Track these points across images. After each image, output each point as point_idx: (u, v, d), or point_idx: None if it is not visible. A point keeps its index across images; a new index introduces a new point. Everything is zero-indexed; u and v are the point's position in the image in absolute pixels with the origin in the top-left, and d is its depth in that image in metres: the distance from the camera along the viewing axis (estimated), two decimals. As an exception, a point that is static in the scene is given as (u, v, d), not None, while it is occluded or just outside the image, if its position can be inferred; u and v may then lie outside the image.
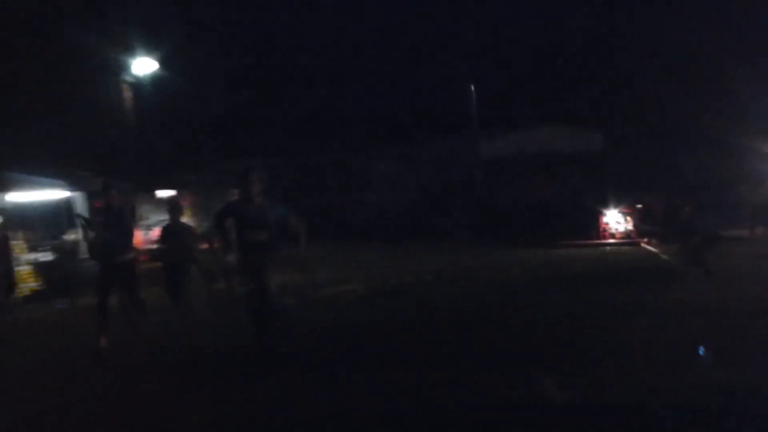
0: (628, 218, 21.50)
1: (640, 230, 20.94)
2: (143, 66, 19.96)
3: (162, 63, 20.18)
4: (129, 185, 15.44)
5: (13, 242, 14.59)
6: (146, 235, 15.45)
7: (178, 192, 17.69)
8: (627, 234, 21.29)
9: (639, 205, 21.60)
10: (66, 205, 16.24)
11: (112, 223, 9.24)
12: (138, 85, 20.65)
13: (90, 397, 7.59)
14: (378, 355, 9.28)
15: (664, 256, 16.79)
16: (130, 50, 19.69)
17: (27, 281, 14.84)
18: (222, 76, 26.78)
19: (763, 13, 26.93)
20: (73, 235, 15.28)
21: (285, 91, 32.47)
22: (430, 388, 7.78)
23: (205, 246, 11.95)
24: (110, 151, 17.65)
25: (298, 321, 10.66)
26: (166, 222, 11.87)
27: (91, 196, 15.85)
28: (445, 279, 15.80)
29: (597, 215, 22.05)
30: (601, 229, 21.69)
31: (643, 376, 7.86)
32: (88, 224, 10.05)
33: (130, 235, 9.82)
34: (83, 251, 13.78)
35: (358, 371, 8.34)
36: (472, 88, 28.55)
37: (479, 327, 10.94)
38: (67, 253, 15.40)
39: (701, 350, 9.10)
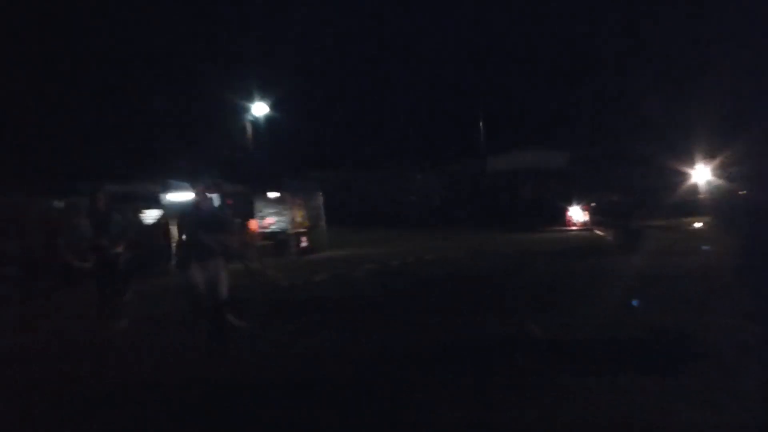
0: (585, 212, 27.38)
1: (593, 220, 26.42)
2: (259, 109, 27.74)
3: (271, 106, 28.20)
4: (247, 188, 22.33)
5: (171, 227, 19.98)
6: (261, 221, 21.46)
7: (282, 193, 23.62)
8: (584, 223, 27.10)
9: (593, 204, 27.36)
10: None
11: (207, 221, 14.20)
12: (255, 120, 28.58)
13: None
14: (419, 303, 12.10)
15: (608, 238, 21.69)
16: (251, 98, 27.56)
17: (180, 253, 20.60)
18: (311, 113, 36.31)
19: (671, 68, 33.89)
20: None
21: (357, 123, 42.23)
22: (449, 327, 9.82)
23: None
24: (236, 164, 25.23)
25: (374, 281, 15.29)
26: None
27: (222, 196, 21.52)
28: (467, 254, 20.09)
29: (564, 210, 28.17)
30: (567, 220, 27.79)
31: (601, 320, 9.67)
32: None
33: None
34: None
35: (407, 314, 10.96)
36: (481, 124, 36.51)
37: (486, 284, 14.25)
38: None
39: (635, 302, 11.17)
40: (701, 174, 27.81)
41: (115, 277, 10.47)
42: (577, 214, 27.75)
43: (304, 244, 22.65)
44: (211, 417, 6.61)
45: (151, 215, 19.51)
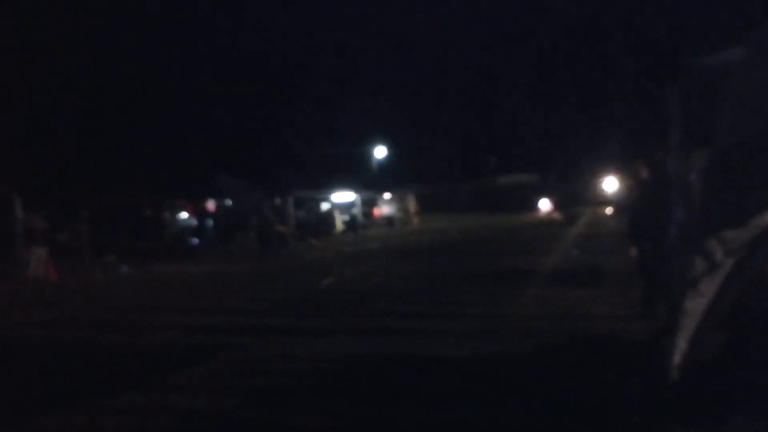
0: (549, 204, 38.96)
1: (552, 209, 37.48)
2: (380, 151, 41.92)
3: (387, 148, 43.59)
4: (372, 192, 36.41)
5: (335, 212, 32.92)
6: (380, 209, 36.20)
7: (391, 195, 38.48)
8: (548, 210, 38.64)
9: (552, 199, 38.99)
10: (352, 203, 33.91)
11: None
12: (378, 158, 42.95)
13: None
14: (461, 250, 19.73)
15: (561, 220, 31.45)
16: (376, 145, 42.33)
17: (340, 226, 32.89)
18: (407, 151, 52.35)
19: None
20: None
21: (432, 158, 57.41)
22: (477, 263, 15.75)
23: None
24: (368, 180, 38.45)
25: (444, 238, 28.00)
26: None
27: (367, 197, 34.79)
28: (485, 226, 31.52)
29: (536, 203, 41.00)
30: (538, 208, 40.23)
31: (557, 259, 14.48)
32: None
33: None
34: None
35: (455, 255, 18.30)
36: (493, 159, 52.76)
37: (492, 244, 21.62)
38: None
39: (575, 250, 16.27)
40: (610, 182, 34.11)
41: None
42: (543, 205, 39.58)
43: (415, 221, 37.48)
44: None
45: (325, 207, 33.88)
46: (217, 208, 28.30)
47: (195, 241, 24.82)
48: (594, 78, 47.35)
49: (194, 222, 27.47)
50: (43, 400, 5.98)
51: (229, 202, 30.09)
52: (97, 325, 9.93)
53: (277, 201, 31.06)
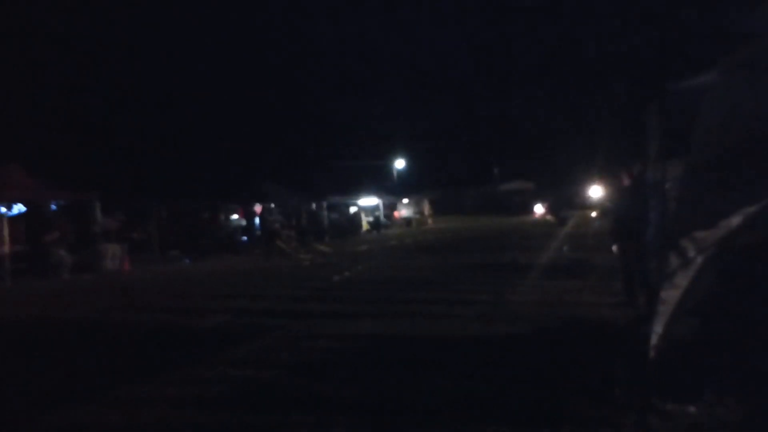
0: (543, 208, 39.46)
1: (545, 212, 37.87)
2: (399, 163, 42.00)
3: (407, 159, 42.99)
4: (393, 198, 36.51)
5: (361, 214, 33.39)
6: (399, 212, 36.23)
7: (409, 200, 38.73)
8: (542, 213, 39.06)
9: (545, 204, 39.32)
10: (376, 207, 34.73)
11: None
12: (399, 170, 42.68)
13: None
14: (468, 247, 20.38)
15: (553, 221, 32.76)
16: (394, 156, 41.78)
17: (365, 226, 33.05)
18: (423, 162, 52.25)
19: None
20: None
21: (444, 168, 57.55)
22: (483, 257, 16.18)
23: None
24: (389, 188, 38.83)
25: (454, 236, 28.54)
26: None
27: (388, 202, 35.07)
28: (487, 226, 32.70)
29: (532, 207, 41.37)
30: (534, 211, 40.67)
31: (551, 255, 14.80)
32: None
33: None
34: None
35: (463, 251, 21.17)
36: (496, 170, 52.85)
37: (495, 241, 22.04)
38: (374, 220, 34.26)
39: (565, 248, 16.27)
40: (595, 189, 32.82)
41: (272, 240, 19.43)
42: (538, 209, 39.61)
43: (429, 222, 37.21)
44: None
45: (353, 210, 34.15)
46: (263, 210, 28.58)
47: (244, 239, 25.04)
48: (583, 97, 47.48)
49: (244, 222, 27.83)
50: (120, 373, 6.06)
51: (273, 205, 30.31)
52: (163, 309, 10.04)
53: (313, 205, 31.62)
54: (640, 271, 7.22)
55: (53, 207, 19.39)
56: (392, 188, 38.60)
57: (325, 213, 30.98)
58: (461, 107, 76.26)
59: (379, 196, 33.99)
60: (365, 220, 32.61)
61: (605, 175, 28.14)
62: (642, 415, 4.15)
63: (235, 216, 28.59)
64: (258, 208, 27.71)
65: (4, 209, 15.95)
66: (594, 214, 29.58)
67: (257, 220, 26.70)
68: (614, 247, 8.16)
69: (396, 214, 36.35)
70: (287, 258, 16.77)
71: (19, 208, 18.33)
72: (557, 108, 53.02)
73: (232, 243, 23.96)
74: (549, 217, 34.94)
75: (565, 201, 36.25)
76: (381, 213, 33.49)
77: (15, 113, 34.04)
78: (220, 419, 4.49)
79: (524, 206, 42.37)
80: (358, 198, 33.72)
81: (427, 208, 38.32)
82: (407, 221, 36.05)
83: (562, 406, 4.41)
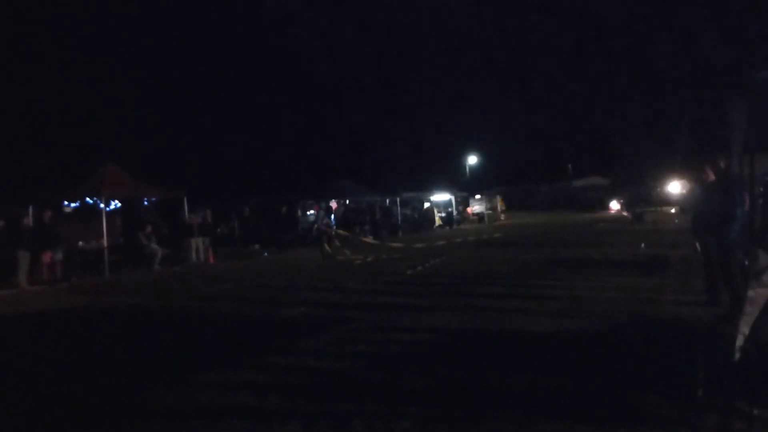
0: (619, 204, 37.51)
1: (621, 208, 36.35)
2: (472, 159, 42.36)
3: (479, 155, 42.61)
4: (465, 194, 36.02)
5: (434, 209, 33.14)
6: (472, 208, 35.92)
7: (481, 196, 38.20)
8: (618, 209, 37.19)
9: (621, 200, 37.90)
10: (448, 202, 34.24)
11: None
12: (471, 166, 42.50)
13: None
14: (543, 240, 20.73)
15: (629, 218, 31.07)
16: (466, 152, 41.87)
17: (438, 222, 32.41)
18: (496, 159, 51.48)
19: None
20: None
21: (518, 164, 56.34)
22: (547, 256, 14.97)
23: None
24: (461, 184, 38.74)
25: (525, 231, 27.96)
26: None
27: (460, 197, 34.72)
28: (564, 221, 31.96)
29: (607, 202, 39.59)
30: (609, 208, 38.78)
31: (627, 251, 14.98)
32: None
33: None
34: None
35: (538, 245, 23.60)
36: (570, 166, 51.59)
37: (568, 237, 21.88)
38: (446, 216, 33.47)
39: (643, 245, 14.81)
40: (675, 185, 31.96)
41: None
42: (613, 205, 38.07)
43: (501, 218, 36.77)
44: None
45: (426, 205, 34.09)
46: (339, 206, 29.12)
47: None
48: (662, 89, 45.34)
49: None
50: (205, 358, 6.30)
51: (348, 201, 30.68)
52: (244, 299, 10.36)
53: (387, 201, 31.80)
54: (724, 270, 6.86)
55: (145, 203, 20.39)
56: (465, 184, 38.23)
57: (399, 209, 31.08)
58: (535, 102, 74.44)
59: (452, 191, 33.72)
60: (438, 216, 32.42)
61: (687, 170, 27.03)
62: (725, 418, 3.93)
63: (312, 212, 29.15)
64: (334, 204, 28.19)
65: (102, 205, 16.89)
66: (673, 210, 29.79)
67: (332, 217, 27.13)
68: (697, 244, 7.74)
69: (468, 209, 35.98)
70: (330, 258, 16.81)
71: (115, 204, 19.36)
72: (635, 103, 50.66)
73: (310, 237, 24.42)
74: (625, 213, 33.55)
75: (643, 197, 35.15)
76: (453, 209, 33.19)
77: (113, 117, 36.31)
78: (298, 406, 4.59)
79: (599, 202, 40.76)
80: (430, 194, 33.58)
81: (500, 204, 37.72)
82: (480, 217, 35.57)
83: (639, 406, 4.24)
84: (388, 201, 31.78)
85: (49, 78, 36.89)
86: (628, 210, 33.45)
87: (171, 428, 4.38)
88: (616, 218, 32.51)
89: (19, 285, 13.93)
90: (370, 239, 23.15)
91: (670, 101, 41.12)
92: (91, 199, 17.72)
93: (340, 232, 21.82)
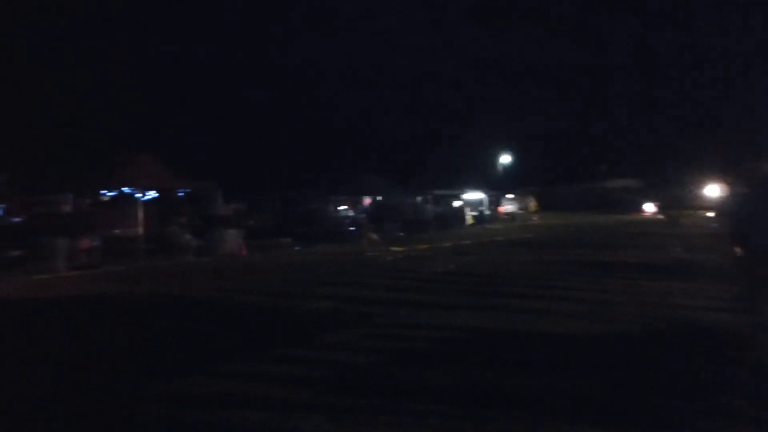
0: (653, 206, 36.31)
1: (656, 211, 35.27)
2: (505, 158, 41.58)
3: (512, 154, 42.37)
4: (498, 192, 35.63)
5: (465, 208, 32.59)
6: (503, 207, 35.68)
7: (513, 195, 37.90)
8: (652, 212, 35.97)
9: (656, 202, 36.55)
10: (480, 201, 33.75)
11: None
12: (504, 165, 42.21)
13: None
14: (574, 240, 22.93)
15: (664, 220, 30.14)
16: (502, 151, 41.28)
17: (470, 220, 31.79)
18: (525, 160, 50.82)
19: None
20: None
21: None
22: (578, 257, 15.94)
23: None
24: (494, 183, 38.41)
25: (558, 230, 27.79)
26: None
27: (492, 196, 34.62)
28: (597, 221, 32.49)
29: (641, 205, 38.40)
30: (642, 210, 37.66)
31: (659, 254, 15.16)
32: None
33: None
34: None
35: (570, 247, 24.12)
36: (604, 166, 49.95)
37: (601, 239, 22.47)
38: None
39: (679, 248, 14.77)
40: (712, 188, 33.14)
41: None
42: (648, 207, 36.90)
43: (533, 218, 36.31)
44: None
45: (458, 204, 33.83)
46: (371, 202, 29.11)
47: (352, 228, 25.46)
48: (697, 93, 44.35)
49: (351, 213, 28.31)
50: (231, 349, 6.30)
51: (380, 198, 30.60)
52: (272, 292, 10.37)
53: (418, 198, 31.64)
54: (763, 276, 6.55)
55: (180, 194, 20.64)
56: (497, 183, 37.84)
57: (430, 206, 30.86)
58: (569, 103, 73.37)
59: (484, 190, 33.41)
60: (469, 214, 32.08)
61: (724, 173, 27.80)
62: (765, 430, 3.74)
63: (343, 207, 29.21)
64: (366, 199, 28.19)
65: (139, 195, 17.14)
66: (710, 214, 28.06)
67: (364, 214, 27.17)
68: (736, 249, 7.41)
69: (500, 208, 35.55)
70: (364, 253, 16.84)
71: (151, 194, 19.63)
72: (669, 106, 49.55)
73: (340, 232, 24.43)
74: (660, 216, 32.64)
75: (677, 200, 34.05)
76: (485, 207, 32.84)
77: (153, 110, 37.09)
78: (323, 399, 4.55)
79: (632, 204, 39.82)
80: (462, 192, 33.33)
81: (532, 204, 37.17)
82: (512, 216, 35.13)
83: (672, 414, 4.06)
84: (419, 198, 31.56)
85: (92, 72, 37.79)
86: (663, 212, 32.59)
87: (195, 416, 4.37)
88: (651, 220, 31.77)
89: (57, 270, 14.23)
90: (375, 237, 22.70)
91: (709, 106, 40.06)
92: (128, 188, 18.00)
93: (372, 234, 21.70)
